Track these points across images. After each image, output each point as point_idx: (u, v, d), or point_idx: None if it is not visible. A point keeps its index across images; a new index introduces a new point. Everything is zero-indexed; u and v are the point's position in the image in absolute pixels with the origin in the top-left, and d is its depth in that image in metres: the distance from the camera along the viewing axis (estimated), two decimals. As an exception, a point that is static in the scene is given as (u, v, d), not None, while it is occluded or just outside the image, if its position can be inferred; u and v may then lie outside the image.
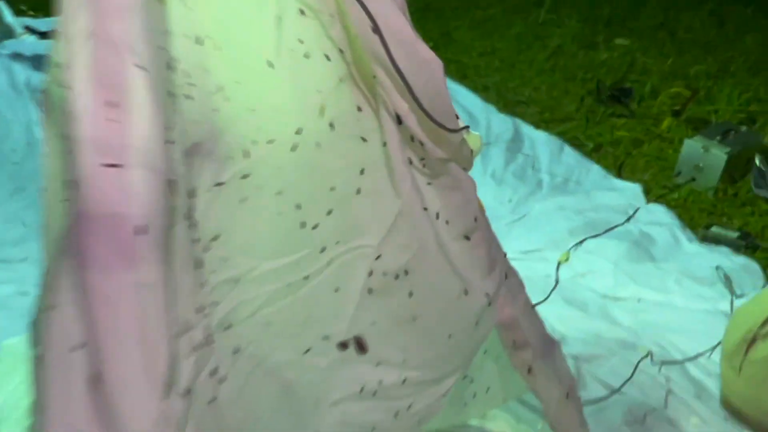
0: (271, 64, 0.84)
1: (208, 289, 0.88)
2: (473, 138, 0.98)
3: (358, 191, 0.96)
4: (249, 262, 0.91)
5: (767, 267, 2.18)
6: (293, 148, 0.87)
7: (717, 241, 2.33)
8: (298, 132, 0.87)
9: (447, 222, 1.01)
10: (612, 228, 2.40)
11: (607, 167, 2.81)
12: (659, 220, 2.45)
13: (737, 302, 2.03)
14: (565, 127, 3.12)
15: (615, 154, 2.93)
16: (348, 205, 0.96)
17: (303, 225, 0.93)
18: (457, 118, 0.95)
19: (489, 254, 1.07)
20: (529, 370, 1.20)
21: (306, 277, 0.97)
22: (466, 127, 0.95)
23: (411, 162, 0.95)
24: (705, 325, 1.97)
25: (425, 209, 0.97)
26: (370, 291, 1.01)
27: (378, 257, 0.99)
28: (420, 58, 0.88)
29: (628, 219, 2.46)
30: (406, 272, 1.00)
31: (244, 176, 0.87)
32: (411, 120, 0.90)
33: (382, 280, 1.00)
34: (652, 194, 2.61)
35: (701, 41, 4.01)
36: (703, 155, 2.63)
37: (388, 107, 0.90)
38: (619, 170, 2.81)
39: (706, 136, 2.69)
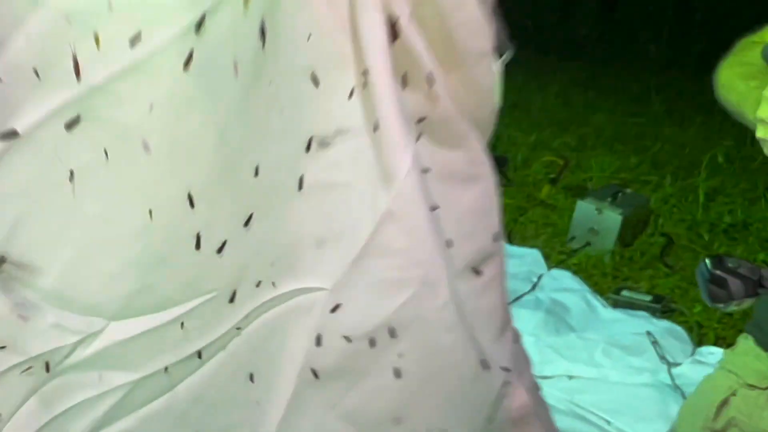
0: None
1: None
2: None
3: (301, 182, 0.51)
4: (78, 324, 0.42)
5: (692, 330, 1.99)
6: (186, 65, 0.41)
7: (630, 305, 2.16)
8: (199, 29, 0.41)
9: (449, 243, 0.58)
10: (520, 297, 2.16)
11: (497, 234, 2.61)
12: (567, 287, 2.27)
13: (673, 371, 1.82)
14: (445, 195, 2.91)
15: (503, 221, 2.75)
16: (282, 207, 0.51)
17: (197, 243, 0.46)
18: None
19: (503, 300, 0.65)
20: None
21: (197, 354, 0.50)
22: (508, 52, 0.55)
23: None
24: (648, 402, 1.74)
25: (433, 211, 0.54)
26: (316, 375, 0.55)
27: (335, 308, 0.54)
28: None
29: (533, 287, 2.25)
30: (393, 333, 0.54)
31: (72, 122, 0.39)
32: (412, 29, 0.48)
33: (341, 352, 0.55)
34: (551, 260, 2.42)
35: (555, 119, 4.15)
36: (597, 218, 2.53)
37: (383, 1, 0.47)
38: (509, 237, 2.61)
39: (596, 198, 2.58)
